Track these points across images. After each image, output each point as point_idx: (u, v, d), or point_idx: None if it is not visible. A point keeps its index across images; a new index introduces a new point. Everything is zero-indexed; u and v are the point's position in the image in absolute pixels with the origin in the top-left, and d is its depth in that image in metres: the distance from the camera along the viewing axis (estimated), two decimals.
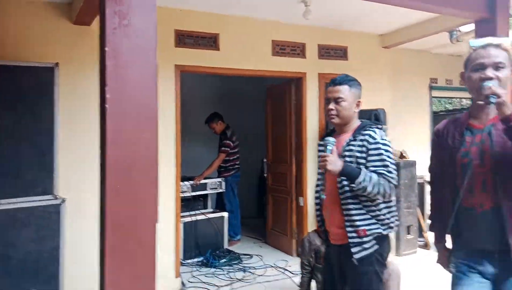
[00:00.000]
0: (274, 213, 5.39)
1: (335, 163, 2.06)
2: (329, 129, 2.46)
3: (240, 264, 4.69)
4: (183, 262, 4.65)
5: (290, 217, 4.98)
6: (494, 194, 1.75)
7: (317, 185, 2.37)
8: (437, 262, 2.12)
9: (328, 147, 2.11)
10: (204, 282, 4.18)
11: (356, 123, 2.27)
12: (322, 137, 2.41)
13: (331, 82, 2.27)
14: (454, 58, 6.14)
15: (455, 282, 1.94)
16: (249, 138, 6.43)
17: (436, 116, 10.29)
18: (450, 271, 1.98)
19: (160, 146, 3.79)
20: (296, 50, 4.86)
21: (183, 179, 4.99)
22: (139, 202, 1.81)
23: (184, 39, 4.16)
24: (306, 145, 4.82)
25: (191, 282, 4.19)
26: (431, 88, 6.51)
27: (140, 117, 1.82)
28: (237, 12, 4.35)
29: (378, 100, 5.21)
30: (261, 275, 4.35)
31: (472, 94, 1.84)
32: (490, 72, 1.74)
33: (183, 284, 4.10)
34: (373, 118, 4.22)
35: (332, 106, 2.22)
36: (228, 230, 5.41)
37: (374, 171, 2.07)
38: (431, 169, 2.14)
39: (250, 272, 4.45)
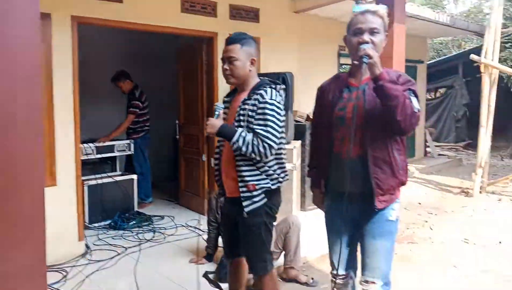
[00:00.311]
0: (187, 174, 5.38)
1: (212, 126, 2.15)
2: (231, 89, 2.48)
3: (151, 226, 4.66)
4: (89, 226, 4.52)
5: (201, 178, 5.01)
6: (361, 145, 1.96)
7: (218, 141, 2.42)
8: (313, 202, 2.39)
9: (215, 112, 2.22)
10: (110, 245, 4.11)
11: (254, 82, 2.30)
12: (230, 92, 2.47)
13: (225, 41, 2.28)
14: None
15: (326, 225, 2.23)
16: (163, 99, 6.24)
17: None
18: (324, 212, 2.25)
19: (55, 106, 3.61)
20: (207, 8, 4.73)
21: (89, 141, 4.81)
22: (20, 167, 1.68)
23: None
24: None
25: (96, 245, 4.09)
26: (340, 55, 6.81)
27: (16, 75, 1.66)
28: None
29: (287, 64, 5.33)
30: (172, 235, 4.37)
31: (351, 56, 2.03)
32: (366, 37, 1.92)
33: (87, 247, 3.98)
34: (281, 81, 4.30)
35: (226, 66, 2.24)
36: (139, 193, 5.32)
37: (253, 130, 2.13)
38: (312, 121, 2.32)
39: (160, 232, 4.45)
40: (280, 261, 3.44)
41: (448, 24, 7.71)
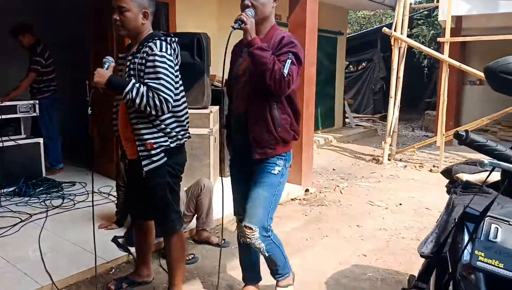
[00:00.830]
0: (102, 140, 5.12)
1: (101, 75, 2.04)
2: (127, 44, 2.36)
3: (60, 192, 4.44)
4: None
5: (116, 143, 4.80)
6: (246, 100, 2.12)
7: (115, 101, 2.30)
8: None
9: (105, 65, 2.13)
10: (13, 211, 3.86)
11: (146, 35, 2.19)
12: (126, 47, 2.35)
13: None
14: None
15: (230, 176, 2.40)
16: (77, 56, 5.81)
17: None
18: None
19: None
20: None
21: None
22: None
23: None
24: None
25: None
26: None
27: None
28: None
29: (205, 24, 5.19)
30: (83, 201, 4.20)
31: None
32: (248, 1, 2.03)
33: None
34: (195, 42, 4.18)
35: (116, 16, 2.10)
36: (49, 158, 5.03)
37: (146, 84, 2.04)
38: (226, 81, 2.40)
39: (69, 199, 4.25)
40: (192, 224, 3.45)
41: None
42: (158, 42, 2.08)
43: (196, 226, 3.40)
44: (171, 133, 2.20)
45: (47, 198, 4.25)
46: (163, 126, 2.17)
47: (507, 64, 1.26)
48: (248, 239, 2.18)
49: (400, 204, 4.61)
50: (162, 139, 2.18)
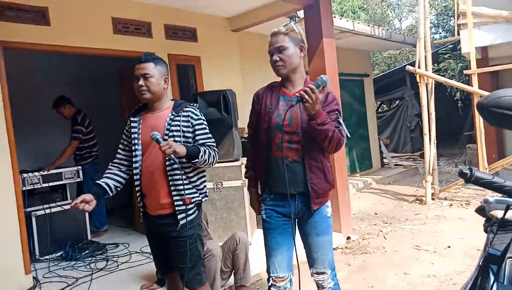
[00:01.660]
0: None
1: (179, 146, 2.18)
2: (140, 104, 2.53)
3: (104, 254, 4.54)
4: (40, 258, 4.40)
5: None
6: (297, 151, 2.17)
7: (136, 162, 2.39)
8: (250, 204, 2.52)
9: (158, 139, 2.19)
10: (61, 276, 3.97)
11: (168, 100, 2.45)
12: (134, 111, 2.51)
13: (137, 60, 2.38)
14: None
15: (265, 227, 2.31)
16: (112, 121, 6.14)
17: None
18: (261, 216, 2.33)
19: None
20: (141, 29, 4.76)
21: (38, 170, 4.65)
22: None
23: (4, 11, 3.73)
24: None
25: (46, 277, 3.95)
26: None
27: None
28: None
29: (230, 81, 5.40)
30: (125, 262, 4.26)
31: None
32: (275, 56, 2.17)
33: (36, 280, 3.83)
34: (222, 99, 4.33)
35: (141, 82, 2.33)
36: (93, 221, 5.21)
37: (202, 144, 2.34)
38: (250, 125, 2.43)
39: (113, 260, 4.33)
40: (231, 280, 3.41)
41: (384, 37, 8.09)
42: (193, 108, 2.41)
43: (234, 282, 3.34)
44: (202, 189, 2.42)
45: (92, 261, 4.36)
46: (197, 182, 2.39)
47: (497, 99, 1.21)
48: (320, 282, 2.28)
49: (449, 246, 4.37)
50: (195, 194, 2.38)
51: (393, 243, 4.65)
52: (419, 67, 6.49)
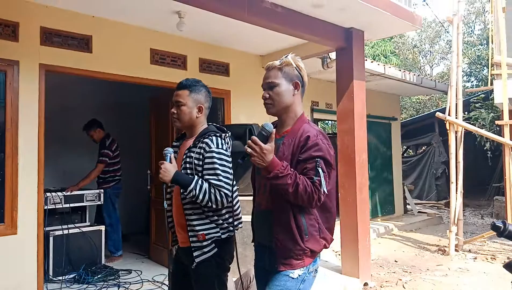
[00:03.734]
0: (157, 227, 5.26)
1: (167, 172, 2.12)
2: (181, 133, 2.50)
3: (117, 280, 4.50)
4: (53, 278, 4.38)
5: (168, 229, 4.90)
6: (268, 197, 1.92)
7: (169, 187, 2.38)
8: None
9: (166, 157, 2.18)
10: None
11: (202, 127, 2.31)
12: (178, 136, 2.49)
13: (176, 86, 2.33)
14: (332, 84, 6.69)
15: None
16: (137, 149, 6.27)
17: None
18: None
19: (20, 151, 3.60)
20: (177, 61, 4.92)
21: (62, 190, 4.73)
22: None
23: (52, 37, 3.96)
24: None
25: None
26: (313, 110, 7.05)
27: None
28: (110, 16, 4.31)
29: (258, 116, 5.44)
30: None
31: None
32: (265, 93, 1.96)
33: None
34: (247, 132, 4.37)
35: (174, 109, 2.29)
36: (109, 245, 5.20)
37: (206, 180, 2.12)
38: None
39: (124, 287, 4.29)
40: None
41: (415, 83, 8.05)
42: (214, 138, 2.19)
43: None
44: (223, 224, 2.21)
45: (104, 285, 4.32)
46: (215, 217, 2.19)
47: None
48: None
49: None
50: (213, 231, 2.19)
51: None
52: (449, 115, 6.41)
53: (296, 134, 1.88)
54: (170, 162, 2.19)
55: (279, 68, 1.95)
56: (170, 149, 2.22)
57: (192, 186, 2.07)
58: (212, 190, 2.09)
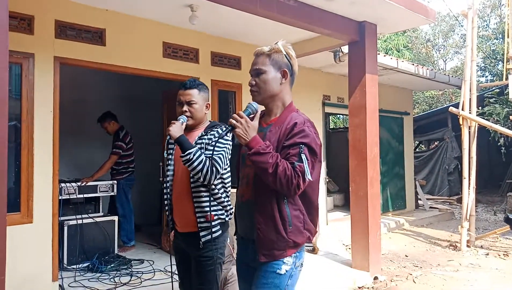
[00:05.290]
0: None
1: (177, 128, 2.24)
2: None
3: (129, 269, 4.59)
4: (67, 267, 4.48)
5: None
6: (252, 187, 1.87)
7: (167, 176, 2.45)
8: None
9: (179, 120, 2.32)
10: (85, 287, 4.04)
11: (206, 122, 2.50)
12: None
13: (181, 86, 2.45)
14: (344, 78, 6.66)
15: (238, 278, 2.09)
16: (150, 141, 6.32)
17: (333, 132, 11.02)
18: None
19: (35, 142, 3.68)
20: (189, 54, 4.96)
21: (76, 181, 4.82)
22: None
23: (66, 30, 4.02)
24: None
25: (71, 286, 4.04)
26: (324, 104, 7.02)
27: None
28: (123, 10, 4.35)
29: None
30: (149, 279, 4.30)
31: None
32: (251, 80, 1.94)
33: (62, 288, 3.91)
34: None
35: (186, 108, 2.40)
36: (121, 236, 5.29)
37: (208, 156, 2.23)
38: None
39: (137, 276, 4.37)
40: None
41: (428, 77, 7.97)
42: (221, 128, 2.38)
43: None
44: (226, 207, 2.37)
45: (117, 274, 4.41)
46: (222, 199, 2.35)
47: None
48: None
49: None
50: (220, 212, 2.34)
51: (422, 288, 4.46)
52: (463, 109, 6.34)
53: (283, 123, 1.84)
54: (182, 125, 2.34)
55: (267, 55, 1.91)
56: (185, 117, 2.36)
57: (192, 150, 2.18)
58: (207, 163, 2.19)
